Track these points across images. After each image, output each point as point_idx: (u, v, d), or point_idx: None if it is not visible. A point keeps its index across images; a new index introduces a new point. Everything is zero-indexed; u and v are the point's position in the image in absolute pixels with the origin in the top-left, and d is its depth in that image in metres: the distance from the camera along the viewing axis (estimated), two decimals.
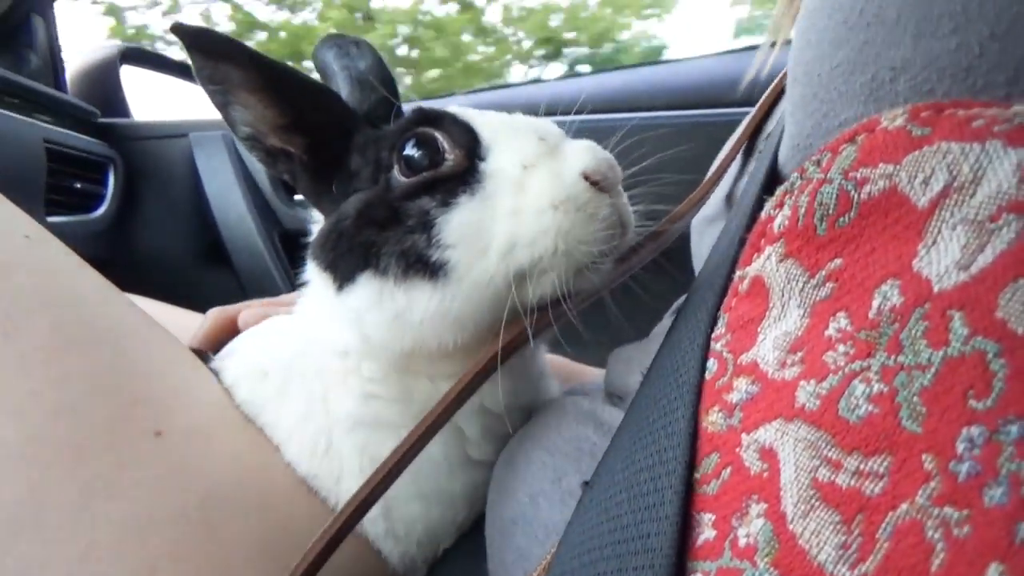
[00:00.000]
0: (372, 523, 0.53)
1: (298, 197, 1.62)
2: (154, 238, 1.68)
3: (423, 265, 0.48)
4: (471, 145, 0.51)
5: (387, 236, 0.49)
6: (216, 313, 0.70)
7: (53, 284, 0.50)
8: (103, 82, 1.76)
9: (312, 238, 0.57)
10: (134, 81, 1.82)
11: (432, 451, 0.49)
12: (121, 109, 1.76)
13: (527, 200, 0.47)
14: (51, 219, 1.37)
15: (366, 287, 0.49)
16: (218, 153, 1.61)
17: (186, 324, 0.74)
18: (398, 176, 0.51)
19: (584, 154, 0.50)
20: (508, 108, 0.58)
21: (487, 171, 0.49)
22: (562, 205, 0.47)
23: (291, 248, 1.62)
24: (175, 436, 0.48)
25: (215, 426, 0.52)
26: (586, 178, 0.48)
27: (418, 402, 0.52)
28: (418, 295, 0.48)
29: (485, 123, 0.52)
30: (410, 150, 0.50)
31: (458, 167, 0.50)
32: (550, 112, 0.58)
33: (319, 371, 0.55)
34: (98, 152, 1.55)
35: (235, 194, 1.58)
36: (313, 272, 0.56)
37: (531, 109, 0.58)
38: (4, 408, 0.43)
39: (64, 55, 1.68)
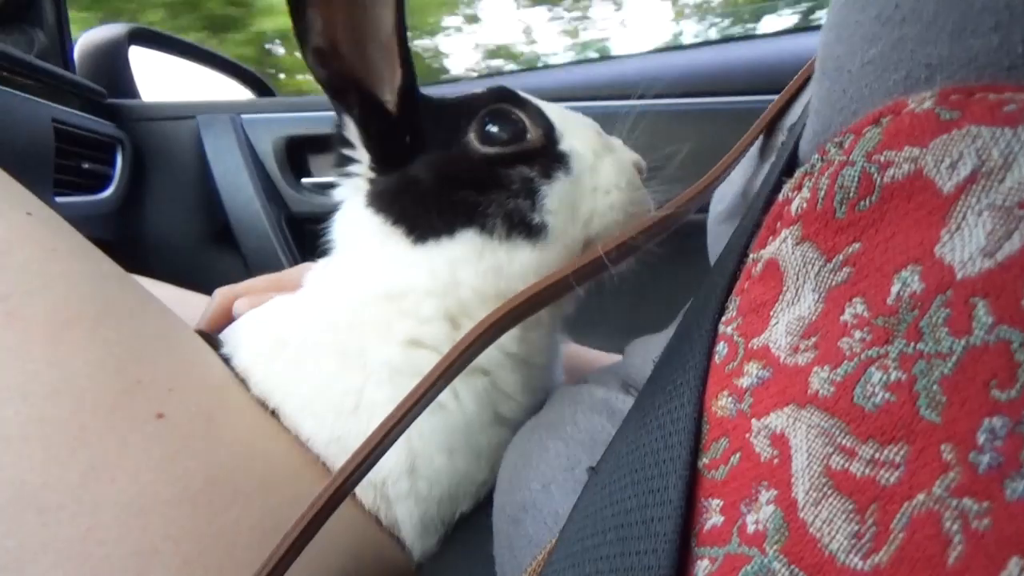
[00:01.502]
0: (395, 482, 0.52)
1: (305, 180, 1.62)
2: (161, 219, 1.67)
3: (525, 226, 0.54)
4: (548, 128, 0.57)
5: (490, 198, 0.54)
6: (224, 293, 0.70)
7: (55, 262, 0.49)
8: (111, 62, 1.75)
9: (367, 190, 0.58)
10: (142, 62, 1.81)
11: (467, 403, 0.54)
12: (129, 90, 1.76)
13: (600, 180, 0.56)
14: (59, 199, 1.36)
15: (468, 243, 0.54)
16: (226, 135, 1.60)
17: (193, 305, 0.73)
18: (475, 144, 0.55)
19: (628, 149, 0.61)
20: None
21: (569, 153, 0.56)
22: (626, 186, 0.57)
23: (298, 231, 1.61)
24: (177, 418, 0.47)
25: (218, 409, 0.51)
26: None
27: None
28: (518, 253, 0.54)
29: (551, 111, 0.59)
30: (492, 122, 0.56)
31: (538, 146, 0.56)
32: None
33: (355, 323, 0.55)
34: (106, 132, 1.54)
35: (242, 177, 1.58)
36: (368, 223, 0.57)
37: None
38: (5, 388, 0.42)
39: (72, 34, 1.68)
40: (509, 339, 0.55)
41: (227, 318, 0.67)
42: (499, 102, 0.57)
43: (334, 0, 0.51)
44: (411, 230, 0.55)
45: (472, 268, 0.53)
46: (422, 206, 0.54)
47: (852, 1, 0.33)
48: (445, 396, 0.53)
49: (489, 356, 0.53)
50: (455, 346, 0.46)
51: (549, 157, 0.55)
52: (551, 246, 0.54)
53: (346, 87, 0.54)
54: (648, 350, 0.52)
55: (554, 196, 0.54)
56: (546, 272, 0.51)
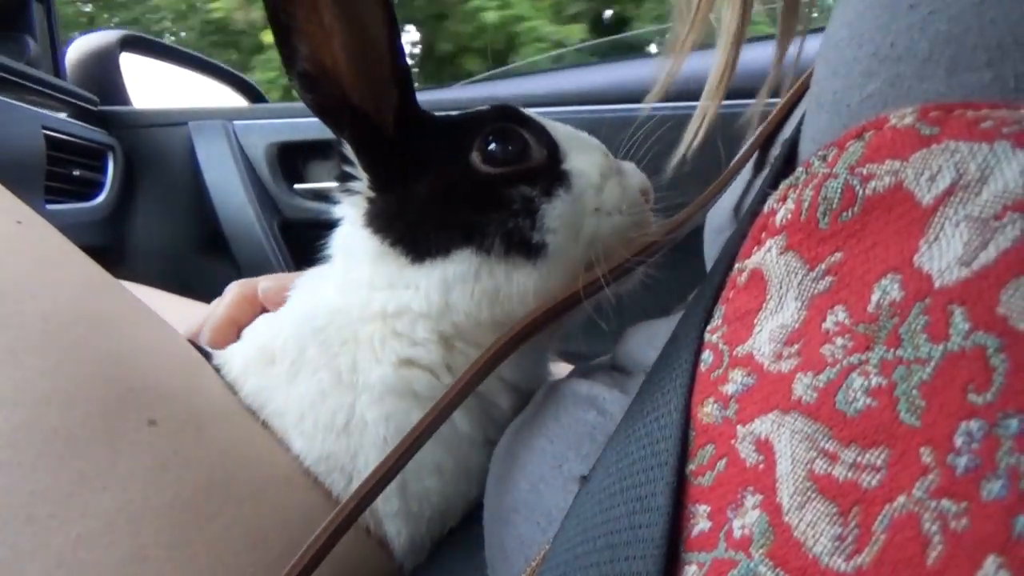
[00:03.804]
0: (385, 500, 0.53)
1: (298, 186, 1.61)
2: (154, 226, 1.67)
3: (525, 246, 0.53)
4: (552, 147, 0.57)
5: (489, 217, 0.53)
6: (239, 287, 0.69)
7: (45, 270, 0.49)
8: (102, 69, 1.75)
9: (365, 208, 0.57)
10: (133, 68, 1.81)
11: (459, 424, 0.54)
12: (120, 97, 1.75)
13: (604, 202, 0.56)
14: (50, 207, 1.36)
15: (464, 263, 0.53)
16: (218, 142, 1.60)
17: (186, 312, 0.73)
18: (478, 163, 0.55)
19: (638, 173, 0.61)
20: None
21: (573, 172, 0.56)
22: (627, 209, 0.56)
23: (291, 237, 1.61)
24: (168, 425, 0.47)
25: (208, 415, 0.51)
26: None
27: (451, 375, 0.54)
28: (517, 273, 0.53)
29: (556, 130, 0.59)
30: (496, 141, 0.55)
31: (542, 165, 0.56)
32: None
33: (348, 340, 0.55)
34: (97, 140, 1.54)
35: (235, 183, 1.57)
36: (365, 243, 0.56)
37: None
38: None
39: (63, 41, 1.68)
40: (504, 365, 0.54)
41: (245, 311, 0.68)
42: (503, 121, 0.57)
43: (321, 23, 0.50)
44: (408, 251, 0.54)
45: (467, 290, 0.53)
46: (420, 227, 0.54)
47: (847, 38, 0.34)
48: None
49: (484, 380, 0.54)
50: (468, 369, 0.47)
51: (551, 176, 0.55)
52: (551, 265, 0.53)
53: (337, 110, 0.53)
54: (647, 336, 0.52)
55: (554, 215, 0.53)
56: (545, 294, 0.52)
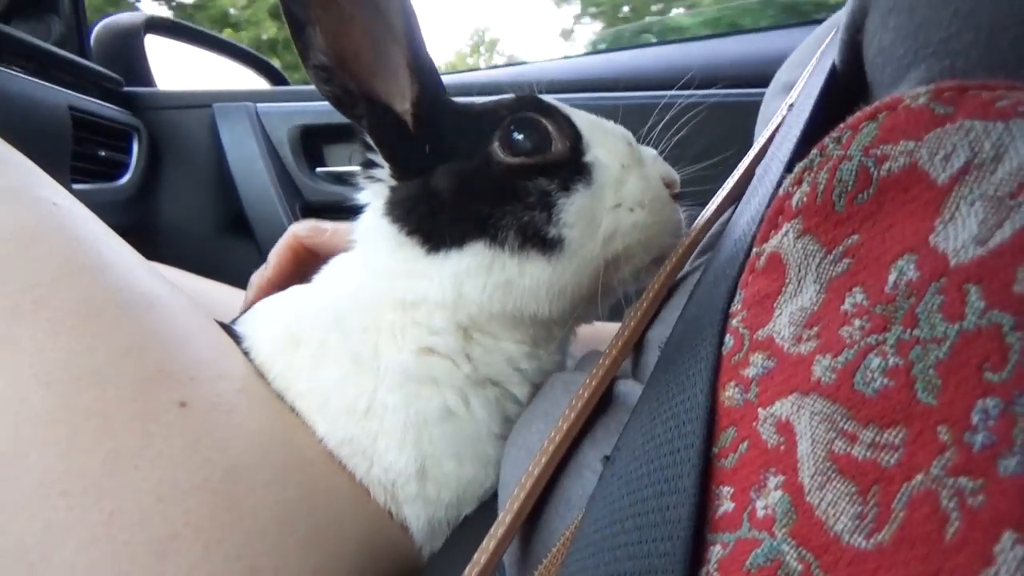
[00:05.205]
0: (404, 484, 0.54)
1: (320, 170, 1.62)
2: (177, 208, 1.69)
3: (540, 240, 0.52)
4: (574, 138, 0.56)
5: (505, 210, 0.53)
6: (277, 248, 0.73)
7: (81, 252, 0.50)
8: (127, 50, 1.76)
9: (386, 196, 0.58)
10: (158, 50, 1.82)
11: (477, 412, 0.54)
12: (144, 78, 1.76)
13: (624, 195, 0.54)
14: (76, 187, 1.38)
15: (477, 255, 0.53)
16: (241, 124, 1.61)
17: (208, 293, 0.75)
18: (499, 153, 0.54)
19: (660, 163, 0.59)
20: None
21: (594, 165, 0.55)
22: (649, 204, 0.54)
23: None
24: (198, 407, 0.48)
25: (238, 398, 0.52)
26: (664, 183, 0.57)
27: (471, 364, 0.55)
28: (531, 267, 0.52)
29: (580, 120, 0.58)
30: (518, 131, 0.55)
31: (563, 156, 0.55)
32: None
33: (369, 327, 0.56)
34: (122, 120, 1.55)
35: (258, 166, 1.58)
36: (385, 231, 0.57)
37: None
38: (32, 375, 0.44)
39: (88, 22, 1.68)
40: (520, 354, 0.56)
41: (299, 256, 0.72)
42: (526, 110, 0.56)
43: (340, 12, 0.50)
44: (425, 240, 0.55)
45: (480, 282, 0.53)
46: (436, 217, 0.54)
47: None
48: (455, 404, 0.54)
49: (500, 369, 0.55)
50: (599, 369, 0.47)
51: (571, 168, 0.54)
52: (567, 261, 0.52)
53: (355, 101, 0.54)
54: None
55: (572, 209, 0.52)
56: (559, 289, 0.52)
